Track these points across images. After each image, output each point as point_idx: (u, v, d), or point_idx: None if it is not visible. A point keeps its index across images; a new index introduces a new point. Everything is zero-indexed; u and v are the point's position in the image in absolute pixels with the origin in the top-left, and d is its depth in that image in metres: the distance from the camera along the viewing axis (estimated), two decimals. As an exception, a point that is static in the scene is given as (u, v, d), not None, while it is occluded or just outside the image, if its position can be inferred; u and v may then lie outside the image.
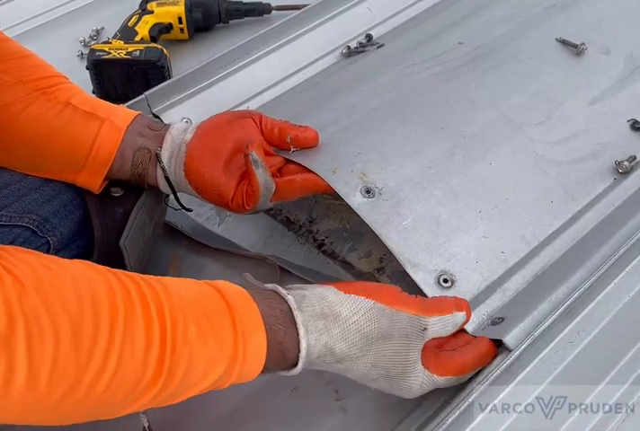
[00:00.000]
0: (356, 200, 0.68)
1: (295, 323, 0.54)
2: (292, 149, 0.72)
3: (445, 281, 0.66)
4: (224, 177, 0.70)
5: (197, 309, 0.50)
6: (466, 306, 0.60)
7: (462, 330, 0.62)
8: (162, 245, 0.84)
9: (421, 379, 0.57)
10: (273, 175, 0.70)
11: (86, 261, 0.50)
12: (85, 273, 0.48)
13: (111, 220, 0.73)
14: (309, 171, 0.70)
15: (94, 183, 0.73)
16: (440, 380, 0.58)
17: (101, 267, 0.50)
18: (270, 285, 0.57)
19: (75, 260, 0.50)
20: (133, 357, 0.46)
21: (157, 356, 0.47)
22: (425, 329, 0.57)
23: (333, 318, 0.55)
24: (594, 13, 0.91)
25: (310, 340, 0.54)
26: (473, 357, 0.60)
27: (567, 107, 0.80)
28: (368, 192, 0.69)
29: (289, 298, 0.55)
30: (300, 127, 0.72)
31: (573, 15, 0.90)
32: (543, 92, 0.81)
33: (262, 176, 0.68)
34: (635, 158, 0.77)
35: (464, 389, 0.62)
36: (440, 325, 0.58)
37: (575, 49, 0.85)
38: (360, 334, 0.55)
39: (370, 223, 0.67)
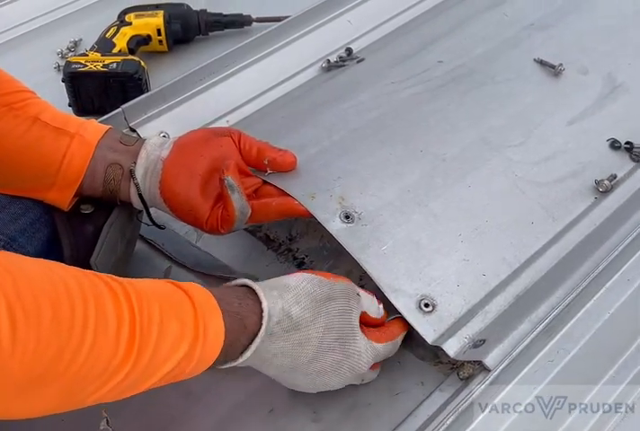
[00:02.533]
0: (335, 226, 0.68)
1: (249, 294, 0.59)
2: (269, 171, 0.71)
3: (426, 305, 0.66)
4: (200, 199, 0.69)
5: (158, 294, 0.53)
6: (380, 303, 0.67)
7: None
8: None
9: (364, 344, 0.62)
10: (249, 196, 0.69)
11: (48, 260, 0.51)
12: (49, 265, 0.49)
13: (80, 238, 0.72)
14: (286, 194, 0.69)
15: (64, 200, 0.71)
16: (379, 347, 0.64)
17: (63, 264, 0.51)
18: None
19: (37, 259, 0.50)
20: (106, 334, 0.47)
21: (128, 334, 0.48)
22: (358, 294, 0.64)
23: (283, 287, 0.60)
24: (572, 32, 0.91)
25: (270, 304, 0.58)
26: (399, 325, 0.67)
27: (546, 127, 0.80)
28: (347, 217, 0.68)
29: (240, 280, 0.60)
30: (279, 150, 0.71)
31: (551, 35, 0.91)
32: (522, 113, 0.81)
33: (237, 201, 0.67)
34: (615, 177, 0.78)
35: (439, 414, 0.63)
36: (368, 300, 0.65)
37: (553, 70, 0.85)
38: (309, 297, 0.60)
39: (349, 249, 0.67)
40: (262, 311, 0.58)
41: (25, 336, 0.43)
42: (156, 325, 0.50)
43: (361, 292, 0.65)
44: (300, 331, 0.59)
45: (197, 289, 0.56)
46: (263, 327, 0.57)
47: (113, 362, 0.48)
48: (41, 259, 0.50)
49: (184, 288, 0.55)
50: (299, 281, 0.61)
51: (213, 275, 0.80)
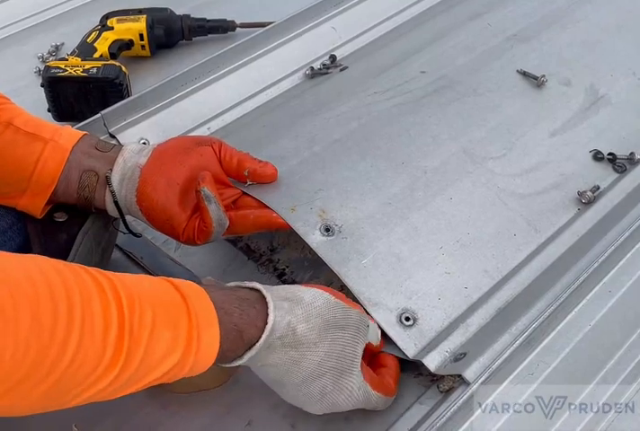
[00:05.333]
0: (315, 239, 0.67)
1: (254, 304, 0.56)
2: (249, 182, 0.70)
3: (407, 319, 0.66)
4: (177, 208, 0.68)
5: (152, 297, 0.51)
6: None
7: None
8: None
9: (359, 383, 0.60)
10: (227, 207, 0.68)
11: (33, 255, 0.49)
12: (35, 261, 0.48)
13: (54, 247, 0.71)
14: (264, 206, 0.69)
15: (37, 207, 0.70)
16: (374, 394, 0.61)
17: (50, 258, 0.49)
18: (232, 283, 0.59)
19: (16, 254, 0.49)
20: (93, 337, 0.46)
21: (116, 337, 0.47)
22: (368, 325, 0.62)
23: (296, 301, 0.58)
24: (555, 44, 0.92)
25: (277, 317, 0.56)
26: (395, 382, 0.65)
27: (528, 139, 0.80)
28: (327, 230, 0.68)
29: (255, 283, 0.58)
30: (260, 161, 0.71)
31: (533, 46, 0.91)
32: (504, 124, 0.81)
33: (214, 212, 0.66)
34: (598, 188, 0.78)
35: (418, 427, 0.62)
36: (372, 331, 0.63)
37: (536, 81, 0.85)
38: (321, 318, 0.58)
39: (329, 262, 0.66)
40: (265, 323, 0.55)
41: (2, 342, 0.42)
42: (147, 331, 0.49)
43: (370, 323, 0.63)
44: (299, 350, 0.57)
45: (196, 294, 0.54)
46: (262, 340, 0.55)
47: (99, 367, 0.47)
48: (27, 256, 0.48)
49: (182, 291, 0.53)
50: (315, 298, 0.59)
51: None
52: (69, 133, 0.71)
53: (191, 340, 0.51)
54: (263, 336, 0.55)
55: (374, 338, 0.63)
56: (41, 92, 1.01)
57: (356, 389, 0.60)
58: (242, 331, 0.55)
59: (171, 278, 0.55)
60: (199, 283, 0.56)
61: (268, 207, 0.69)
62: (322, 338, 0.58)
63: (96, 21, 1.13)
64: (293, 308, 0.57)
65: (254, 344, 0.55)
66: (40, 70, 1.11)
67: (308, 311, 0.58)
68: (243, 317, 0.55)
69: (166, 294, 0.53)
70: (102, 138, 0.78)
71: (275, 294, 0.58)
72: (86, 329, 0.46)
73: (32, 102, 0.97)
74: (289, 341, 0.57)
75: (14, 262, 0.46)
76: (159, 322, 0.50)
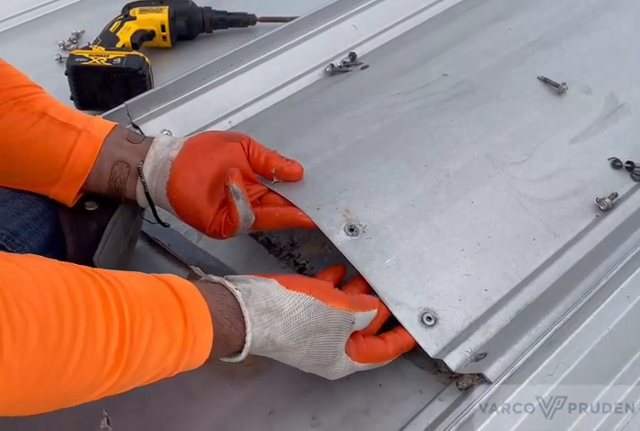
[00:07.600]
0: (340, 238, 0.69)
1: (240, 317, 0.58)
2: (275, 179, 0.72)
3: (428, 319, 0.67)
4: (206, 203, 0.69)
5: (151, 303, 0.52)
6: (378, 305, 0.66)
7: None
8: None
9: (344, 365, 0.63)
10: (253, 204, 0.70)
11: (39, 256, 0.51)
12: (43, 270, 0.49)
13: (84, 235, 0.72)
14: (289, 204, 0.70)
15: (68, 196, 0.71)
16: (360, 366, 0.64)
17: (55, 262, 0.51)
18: (216, 278, 0.60)
19: (29, 256, 0.50)
20: (94, 350, 0.47)
21: (116, 348, 0.49)
22: (353, 322, 0.63)
23: (276, 312, 0.59)
24: (576, 51, 0.92)
25: (255, 333, 0.58)
26: (394, 349, 0.66)
27: (549, 145, 0.81)
28: (351, 230, 0.69)
29: (237, 293, 0.58)
30: (287, 160, 0.72)
31: (554, 53, 0.91)
32: (525, 130, 0.82)
33: (242, 208, 0.67)
34: (616, 195, 0.79)
35: (439, 423, 0.64)
36: (363, 320, 0.64)
37: (557, 88, 0.86)
38: (299, 327, 0.60)
39: (354, 261, 0.68)
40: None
41: (10, 358, 0.43)
42: (146, 339, 0.51)
43: (359, 314, 0.63)
44: (280, 352, 0.61)
45: (192, 298, 0.55)
46: (243, 354, 0.59)
47: (101, 374, 0.49)
48: (38, 260, 0.50)
49: (179, 296, 0.54)
50: (295, 306, 0.60)
51: None
52: (101, 123, 0.72)
53: (187, 344, 0.53)
54: (243, 352, 0.58)
55: (365, 324, 0.65)
56: (63, 80, 1.01)
57: (340, 371, 0.64)
58: (229, 341, 0.57)
59: (165, 277, 0.57)
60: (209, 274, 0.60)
61: (293, 205, 0.70)
62: (301, 343, 0.60)
63: (115, 9, 1.13)
64: (272, 321, 0.59)
65: (239, 352, 0.59)
66: (61, 57, 1.12)
67: (287, 321, 0.59)
68: (231, 330, 0.57)
69: (164, 297, 0.54)
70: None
71: (255, 307, 0.58)
72: (89, 343, 0.47)
73: (54, 90, 0.96)
74: (270, 348, 0.60)
75: (26, 271, 0.48)
76: (157, 328, 0.51)
